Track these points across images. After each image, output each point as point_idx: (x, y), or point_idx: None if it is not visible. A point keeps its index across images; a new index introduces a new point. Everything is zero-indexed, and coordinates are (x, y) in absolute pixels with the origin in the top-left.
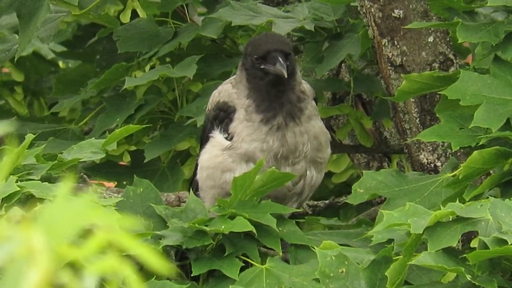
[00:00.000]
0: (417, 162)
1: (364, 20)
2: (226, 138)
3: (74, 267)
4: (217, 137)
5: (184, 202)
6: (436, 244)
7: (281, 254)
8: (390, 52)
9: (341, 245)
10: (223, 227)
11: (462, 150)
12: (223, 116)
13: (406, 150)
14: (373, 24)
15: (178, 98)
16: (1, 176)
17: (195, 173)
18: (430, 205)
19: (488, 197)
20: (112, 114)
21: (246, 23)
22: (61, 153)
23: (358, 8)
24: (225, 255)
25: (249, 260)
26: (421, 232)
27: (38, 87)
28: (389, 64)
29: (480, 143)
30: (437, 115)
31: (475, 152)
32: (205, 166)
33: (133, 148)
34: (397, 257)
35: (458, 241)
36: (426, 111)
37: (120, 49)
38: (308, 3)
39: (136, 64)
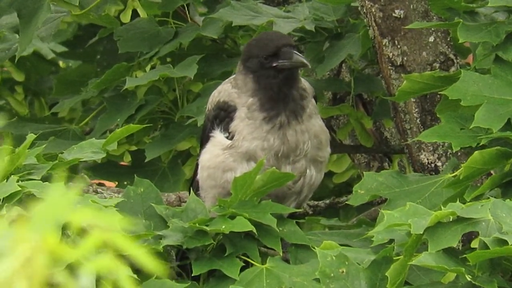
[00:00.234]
0: (417, 162)
1: (365, 20)
2: (227, 138)
3: (70, 266)
4: (218, 137)
5: (185, 202)
6: (437, 245)
7: (281, 254)
8: (390, 52)
9: (341, 245)
10: (223, 227)
11: (462, 150)
12: (223, 116)
13: (407, 150)
14: (374, 24)
15: (178, 98)
16: (1, 176)
17: (195, 173)
18: (431, 206)
19: (488, 198)
20: (112, 114)
21: (247, 23)
22: (62, 153)
23: (359, 8)
24: (226, 255)
25: (249, 260)
26: (421, 233)
27: (38, 87)
28: (390, 64)
29: (481, 144)
30: (437, 115)
31: (475, 152)
32: (206, 166)
33: (133, 148)
34: (398, 257)
35: (459, 242)
36: (427, 111)
37: (120, 49)
38: (309, 3)
39: (136, 64)
